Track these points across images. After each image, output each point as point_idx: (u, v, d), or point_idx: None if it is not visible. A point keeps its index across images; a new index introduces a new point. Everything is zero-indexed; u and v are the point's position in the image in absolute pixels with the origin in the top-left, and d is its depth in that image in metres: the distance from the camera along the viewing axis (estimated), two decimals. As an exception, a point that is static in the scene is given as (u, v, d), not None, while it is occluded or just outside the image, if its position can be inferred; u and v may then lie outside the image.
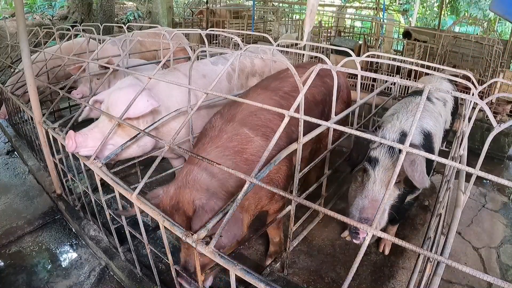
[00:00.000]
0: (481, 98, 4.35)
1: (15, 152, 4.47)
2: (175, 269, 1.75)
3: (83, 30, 4.46)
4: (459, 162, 1.79)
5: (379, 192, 1.86)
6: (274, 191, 1.30)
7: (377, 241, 2.72)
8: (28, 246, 2.91)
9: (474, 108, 2.04)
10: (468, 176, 1.66)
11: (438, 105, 2.55)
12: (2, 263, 2.74)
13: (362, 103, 2.54)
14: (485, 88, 3.04)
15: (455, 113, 2.94)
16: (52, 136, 2.60)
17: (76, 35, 4.62)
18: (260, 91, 2.28)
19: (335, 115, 2.18)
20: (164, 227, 1.56)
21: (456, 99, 2.91)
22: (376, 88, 3.53)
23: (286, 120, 1.45)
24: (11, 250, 2.86)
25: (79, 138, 2.15)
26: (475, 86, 2.18)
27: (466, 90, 2.26)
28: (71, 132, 2.17)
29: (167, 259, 1.78)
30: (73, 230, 3.07)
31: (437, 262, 1.21)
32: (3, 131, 4.98)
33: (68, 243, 2.96)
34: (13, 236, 2.98)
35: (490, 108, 4.27)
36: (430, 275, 1.23)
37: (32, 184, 3.70)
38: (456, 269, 1.01)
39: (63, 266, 2.73)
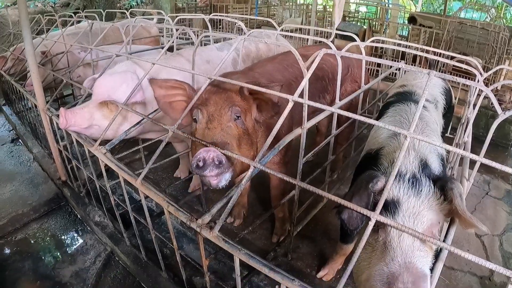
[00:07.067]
0: (486, 85, 4.31)
1: (20, 140, 4.49)
2: (180, 253, 1.77)
3: (86, 17, 4.43)
4: (463, 149, 1.78)
5: (411, 248, 1.19)
6: (279, 176, 1.31)
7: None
8: (34, 233, 2.95)
9: (479, 94, 2.01)
10: (472, 163, 1.66)
11: (431, 110, 2.06)
12: (9, 250, 2.77)
13: (367, 88, 2.52)
14: (490, 75, 3.00)
15: (448, 115, 2.39)
16: (56, 123, 2.60)
17: (78, 22, 4.60)
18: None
19: (347, 93, 2.15)
20: (169, 212, 1.57)
21: (448, 96, 2.37)
22: (381, 73, 3.50)
23: (290, 105, 1.45)
24: (17, 237, 2.90)
25: (68, 115, 2.20)
26: (480, 73, 2.15)
27: (471, 76, 2.20)
28: (61, 109, 2.22)
29: (172, 244, 1.80)
30: (79, 216, 3.10)
31: (440, 249, 1.22)
32: (7, 119, 4.99)
33: (74, 229, 3.00)
34: (19, 223, 3.01)
35: (495, 95, 4.23)
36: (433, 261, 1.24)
37: (37, 172, 3.72)
38: (459, 256, 1.01)
39: (68, 252, 2.77)
